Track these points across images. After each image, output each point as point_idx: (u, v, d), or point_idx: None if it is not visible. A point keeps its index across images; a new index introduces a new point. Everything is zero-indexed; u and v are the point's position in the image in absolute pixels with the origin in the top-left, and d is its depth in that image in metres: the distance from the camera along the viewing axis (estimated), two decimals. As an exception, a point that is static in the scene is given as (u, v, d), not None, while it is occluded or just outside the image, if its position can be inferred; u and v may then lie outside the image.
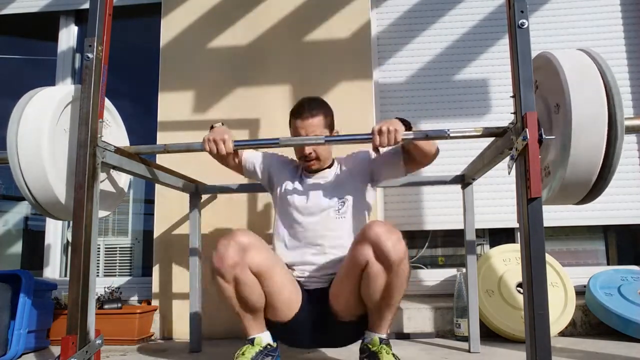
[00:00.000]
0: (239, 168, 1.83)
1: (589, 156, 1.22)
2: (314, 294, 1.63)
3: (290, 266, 1.68)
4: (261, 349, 1.51)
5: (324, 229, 1.68)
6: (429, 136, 1.49)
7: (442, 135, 1.44)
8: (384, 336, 1.51)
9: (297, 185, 1.78)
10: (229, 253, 1.45)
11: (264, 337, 1.55)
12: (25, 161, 1.40)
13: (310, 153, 1.71)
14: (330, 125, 1.75)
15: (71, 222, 1.40)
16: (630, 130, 1.33)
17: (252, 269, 1.48)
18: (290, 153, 1.84)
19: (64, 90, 1.52)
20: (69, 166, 1.47)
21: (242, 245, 1.47)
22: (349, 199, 1.72)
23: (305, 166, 1.77)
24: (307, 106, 1.71)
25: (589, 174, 1.24)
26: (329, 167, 1.81)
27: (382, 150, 1.65)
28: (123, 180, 1.79)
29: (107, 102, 1.63)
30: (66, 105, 1.50)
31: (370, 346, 1.50)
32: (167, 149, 1.60)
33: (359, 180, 1.77)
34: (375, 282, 1.43)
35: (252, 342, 1.53)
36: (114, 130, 1.71)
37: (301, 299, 1.60)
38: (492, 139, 1.53)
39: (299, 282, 1.64)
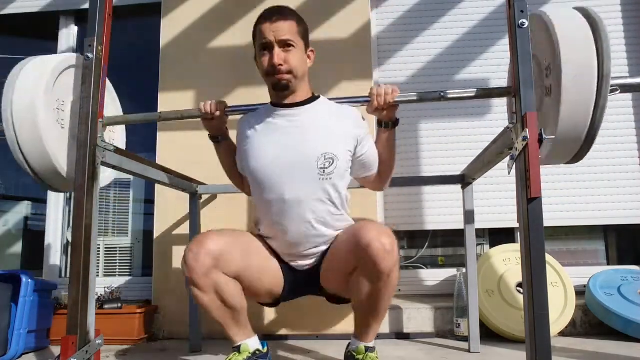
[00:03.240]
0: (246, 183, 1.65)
1: (579, 112, 1.24)
2: (301, 274, 1.54)
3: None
4: (249, 355, 1.46)
5: (306, 195, 1.44)
6: (422, 99, 1.46)
7: (436, 97, 1.41)
8: (370, 345, 1.49)
9: (265, 129, 1.50)
10: (200, 263, 1.36)
11: (251, 343, 1.48)
12: (21, 129, 1.39)
13: (281, 64, 1.42)
14: (304, 37, 1.49)
15: (71, 222, 1.40)
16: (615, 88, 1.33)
17: (227, 274, 1.41)
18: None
19: (59, 57, 1.51)
20: (71, 135, 1.47)
21: (213, 253, 1.38)
22: (338, 160, 1.44)
23: (274, 82, 1.46)
24: (276, 9, 1.48)
25: (579, 129, 1.27)
26: (310, 100, 1.51)
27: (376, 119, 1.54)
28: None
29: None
30: (62, 72, 1.49)
31: (355, 354, 1.48)
32: (161, 117, 1.59)
33: (350, 143, 1.48)
34: (362, 289, 1.37)
35: (238, 349, 1.46)
36: (109, 104, 1.70)
37: (283, 281, 1.53)
38: (493, 136, 1.53)
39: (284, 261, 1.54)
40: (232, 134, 1.64)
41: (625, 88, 1.35)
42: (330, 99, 1.55)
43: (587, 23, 1.28)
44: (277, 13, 1.46)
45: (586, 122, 1.25)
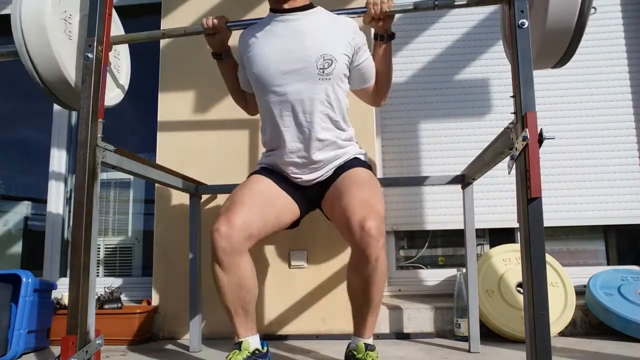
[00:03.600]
0: (249, 98, 1.78)
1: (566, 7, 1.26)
2: (308, 192, 1.64)
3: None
4: (249, 354, 1.47)
5: (307, 94, 1.53)
6: (417, 7, 1.46)
7: (430, 5, 1.43)
8: (369, 341, 1.50)
9: (266, 35, 1.59)
10: (228, 242, 1.42)
11: (252, 342, 1.50)
12: (29, 34, 1.41)
13: None
14: None
15: (71, 222, 1.40)
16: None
17: (254, 239, 1.49)
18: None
19: None
20: (78, 48, 1.51)
21: (239, 231, 1.43)
22: (337, 61, 1.53)
23: None
24: None
25: (569, 19, 1.29)
26: (308, 7, 1.60)
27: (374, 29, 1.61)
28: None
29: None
30: None
31: (356, 353, 1.49)
32: (165, 34, 1.62)
33: (348, 48, 1.56)
34: (353, 277, 1.43)
35: (239, 346, 1.48)
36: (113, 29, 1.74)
37: (299, 209, 1.65)
38: (493, 136, 1.53)
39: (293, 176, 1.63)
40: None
41: None
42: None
43: None
44: None
45: (575, 10, 1.26)
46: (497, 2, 1.41)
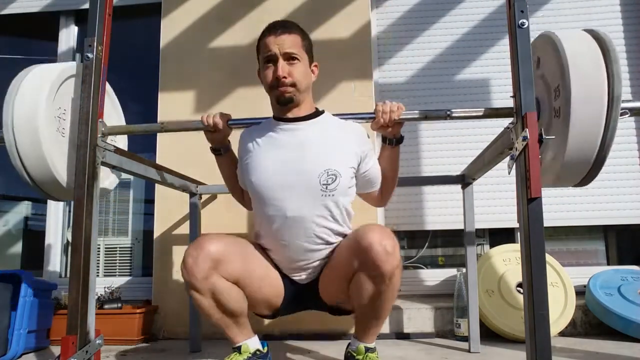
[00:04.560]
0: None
1: (588, 134, 1.22)
2: (301, 287, 1.53)
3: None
4: (250, 355, 1.45)
5: (308, 212, 1.42)
6: (427, 117, 1.47)
7: (442, 115, 1.42)
8: (370, 345, 1.48)
9: (267, 143, 1.49)
10: (200, 266, 1.35)
11: (251, 344, 1.47)
12: (20, 137, 1.38)
13: (285, 77, 1.42)
14: (308, 51, 1.50)
15: (71, 222, 1.40)
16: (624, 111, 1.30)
17: (226, 279, 1.40)
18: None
19: (62, 66, 1.52)
20: (71, 144, 1.47)
21: (213, 256, 1.36)
22: (341, 176, 1.42)
23: (277, 95, 1.46)
24: (281, 23, 1.48)
25: (588, 153, 1.24)
26: (314, 115, 1.51)
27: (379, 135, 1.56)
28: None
29: (108, 87, 1.62)
30: (64, 81, 1.49)
31: (355, 354, 1.47)
32: (163, 128, 1.60)
33: (354, 159, 1.47)
34: (363, 292, 1.35)
35: (239, 349, 1.45)
36: (111, 112, 1.70)
37: (283, 291, 1.52)
38: (493, 136, 1.53)
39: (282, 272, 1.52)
40: (234, 147, 1.63)
41: (634, 111, 1.32)
42: (334, 115, 1.54)
43: (596, 44, 1.26)
44: (282, 27, 1.45)
45: (595, 145, 1.22)
46: (511, 116, 1.34)
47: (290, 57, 1.43)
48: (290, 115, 1.49)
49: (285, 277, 1.53)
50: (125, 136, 1.82)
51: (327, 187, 1.41)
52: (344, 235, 1.49)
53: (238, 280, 1.43)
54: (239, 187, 1.66)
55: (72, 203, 1.38)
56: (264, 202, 1.46)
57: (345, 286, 1.43)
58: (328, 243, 1.47)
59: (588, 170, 1.28)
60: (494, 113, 1.42)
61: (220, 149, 1.60)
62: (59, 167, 1.44)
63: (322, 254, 1.48)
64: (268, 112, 1.56)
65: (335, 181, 1.41)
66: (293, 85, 1.44)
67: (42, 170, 1.41)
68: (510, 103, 1.35)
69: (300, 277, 1.52)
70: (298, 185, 1.42)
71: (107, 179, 1.69)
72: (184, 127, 1.61)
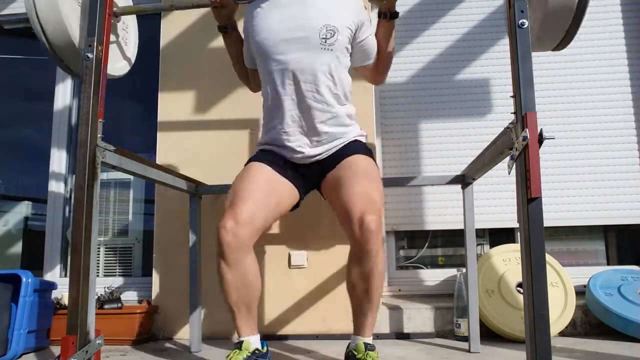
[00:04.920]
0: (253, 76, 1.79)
1: None
2: (308, 174, 1.64)
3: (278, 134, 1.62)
4: (249, 354, 1.46)
5: (309, 63, 1.52)
6: None
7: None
8: (369, 341, 1.50)
9: (270, 5, 1.61)
10: (234, 238, 1.42)
11: (253, 341, 1.50)
12: (40, 4, 1.42)
13: None
14: None
15: (71, 222, 1.40)
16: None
17: (262, 231, 1.50)
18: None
19: None
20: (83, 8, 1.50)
21: (244, 226, 1.43)
22: (340, 33, 1.54)
23: None
24: None
25: (568, 4, 1.26)
26: None
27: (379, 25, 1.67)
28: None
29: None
30: None
31: (356, 353, 1.48)
32: (173, 6, 1.66)
33: (351, 23, 1.58)
34: (353, 272, 1.43)
35: (239, 346, 1.48)
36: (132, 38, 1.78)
37: (298, 193, 1.65)
38: (493, 136, 1.53)
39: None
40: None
41: None
42: None
43: None
44: None
45: None
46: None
47: None
48: None
49: (295, 174, 1.63)
50: (137, 32, 1.87)
51: (326, 41, 1.52)
52: (342, 104, 1.60)
53: (267, 222, 1.53)
54: (245, 67, 1.80)
55: (72, 203, 1.38)
56: (268, 57, 1.58)
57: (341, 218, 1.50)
58: (330, 105, 1.57)
59: (570, 21, 1.30)
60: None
61: (227, 27, 1.74)
62: (77, 33, 1.48)
63: (322, 119, 1.56)
64: (268, 112, 1.57)
65: (334, 36, 1.53)
66: None
67: (61, 36, 1.44)
68: (510, 104, 1.34)
69: (306, 153, 1.60)
70: (299, 38, 1.54)
71: (117, 62, 1.74)
72: (193, 3, 1.67)
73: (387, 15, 1.64)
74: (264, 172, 1.61)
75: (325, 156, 1.63)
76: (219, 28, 1.75)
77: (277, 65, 1.56)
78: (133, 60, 1.82)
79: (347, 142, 1.64)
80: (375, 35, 1.68)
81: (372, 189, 1.46)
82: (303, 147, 1.60)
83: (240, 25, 1.77)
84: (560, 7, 1.28)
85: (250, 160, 1.68)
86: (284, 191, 1.62)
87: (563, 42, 1.36)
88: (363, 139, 1.70)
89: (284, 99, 1.57)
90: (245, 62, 1.78)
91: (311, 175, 1.66)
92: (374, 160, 1.65)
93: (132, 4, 1.82)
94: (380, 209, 1.41)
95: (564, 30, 1.34)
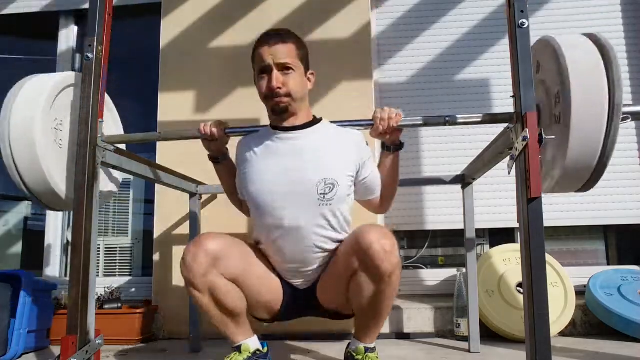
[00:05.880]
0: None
1: (589, 140, 1.21)
2: (300, 292, 1.52)
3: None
4: (249, 355, 1.44)
5: (306, 221, 1.42)
6: (427, 123, 1.46)
7: (441, 121, 1.43)
8: (370, 346, 1.47)
9: (265, 153, 1.49)
10: (198, 263, 1.34)
11: (252, 343, 1.47)
12: (17, 148, 1.38)
13: (279, 87, 1.41)
14: (304, 59, 1.48)
15: (71, 222, 1.40)
16: (626, 116, 1.29)
17: (225, 277, 1.39)
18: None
19: (58, 76, 1.51)
20: (70, 155, 1.47)
21: (212, 253, 1.36)
22: (339, 185, 1.42)
23: (272, 106, 1.45)
24: (275, 32, 1.46)
25: (588, 159, 1.24)
26: (311, 124, 1.50)
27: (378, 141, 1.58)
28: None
29: (107, 98, 1.62)
30: (61, 91, 1.49)
31: (355, 354, 1.47)
32: (161, 137, 1.62)
33: (352, 167, 1.46)
34: (363, 291, 1.35)
35: (238, 349, 1.45)
36: (110, 125, 1.70)
37: (282, 295, 1.52)
38: (493, 136, 1.53)
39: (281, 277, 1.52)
40: (232, 154, 1.63)
41: (636, 116, 1.30)
42: (332, 122, 1.53)
43: (596, 49, 1.25)
44: (276, 36, 1.44)
45: (596, 151, 1.22)
46: (509, 121, 1.34)
47: (284, 68, 1.42)
48: (287, 124, 1.48)
49: (284, 282, 1.53)
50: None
51: (324, 196, 1.41)
52: (339, 238, 1.49)
53: (237, 280, 1.43)
54: (238, 196, 1.65)
55: (72, 203, 1.38)
56: (262, 211, 1.46)
57: (344, 288, 1.42)
58: (326, 250, 1.47)
59: (589, 178, 1.28)
60: (492, 119, 1.41)
61: (219, 157, 1.60)
62: (57, 179, 1.44)
63: (320, 261, 1.48)
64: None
65: (333, 190, 1.41)
66: (288, 95, 1.42)
67: (41, 183, 1.41)
68: (510, 104, 1.34)
69: (298, 282, 1.52)
70: (296, 194, 1.42)
71: (106, 187, 1.68)
72: (181, 136, 1.59)
73: (391, 148, 1.51)
74: (254, 249, 1.53)
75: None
76: (210, 158, 1.60)
77: (272, 220, 1.44)
78: (120, 181, 1.76)
79: None
80: (379, 165, 1.55)
81: (381, 227, 1.39)
82: (293, 281, 1.52)
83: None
84: (578, 166, 1.25)
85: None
86: (270, 280, 1.51)
87: (583, 189, 1.34)
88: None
89: (277, 251, 1.48)
90: (238, 191, 1.63)
91: (308, 292, 1.53)
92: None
93: (121, 127, 1.77)
94: (394, 239, 1.33)
95: (582, 183, 1.31)
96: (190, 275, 1.36)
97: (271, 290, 1.51)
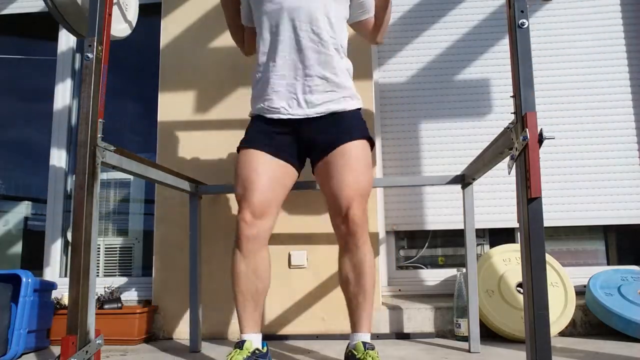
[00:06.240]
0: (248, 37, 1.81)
1: None
2: (303, 143, 1.64)
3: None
4: (249, 354, 1.47)
5: (307, 2, 1.53)
6: None
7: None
8: (367, 338, 1.52)
9: None
10: (250, 230, 1.50)
11: (254, 341, 1.51)
12: None
13: None
14: None
15: (71, 222, 1.40)
16: None
17: (275, 218, 1.59)
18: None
19: None
20: None
21: (263, 216, 1.52)
22: None
23: None
24: None
25: None
26: None
27: None
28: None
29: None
30: None
31: (355, 352, 1.49)
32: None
33: None
34: (345, 265, 1.52)
35: (241, 345, 1.48)
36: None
37: (297, 170, 1.69)
38: (493, 136, 1.53)
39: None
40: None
41: None
42: None
43: None
44: None
45: None
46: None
47: None
48: None
49: (288, 149, 1.63)
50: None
51: None
52: (347, 70, 1.63)
53: (278, 212, 1.62)
54: (240, 27, 1.82)
55: (72, 203, 1.38)
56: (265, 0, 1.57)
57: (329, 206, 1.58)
58: (326, 47, 1.55)
59: None
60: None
61: None
62: None
63: (321, 58, 1.55)
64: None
65: None
66: None
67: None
68: (509, 104, 1.34)
69: (299, 110, 1.58)
70: None
71: (119, 24, 1.73)
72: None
73: None
74: (264, 160, 1.62)
75: (317, 116, 1.59)
76: None
77: (271, 5, 1.55)
78: (134, 24, 1.80)
79: (344, 110, 1.61)
80: None
81: (360, 180, 1.52)
82: (294, 105, 1.58)
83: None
84: None
85: (245, 143, 1.67)
86: (285, 174, 1.65)
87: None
88: (359, 104, 1.68)
89: (279, 41, 1.55)
90: (242, 19, 1.79)
91: (303, 142, 1.65)
92: (368, 137, 1.64)
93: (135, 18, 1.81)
94: (365, 199, 1.50)
95: None
96: (242, 239, 1.51)
97: (291, 177, 1.67)
